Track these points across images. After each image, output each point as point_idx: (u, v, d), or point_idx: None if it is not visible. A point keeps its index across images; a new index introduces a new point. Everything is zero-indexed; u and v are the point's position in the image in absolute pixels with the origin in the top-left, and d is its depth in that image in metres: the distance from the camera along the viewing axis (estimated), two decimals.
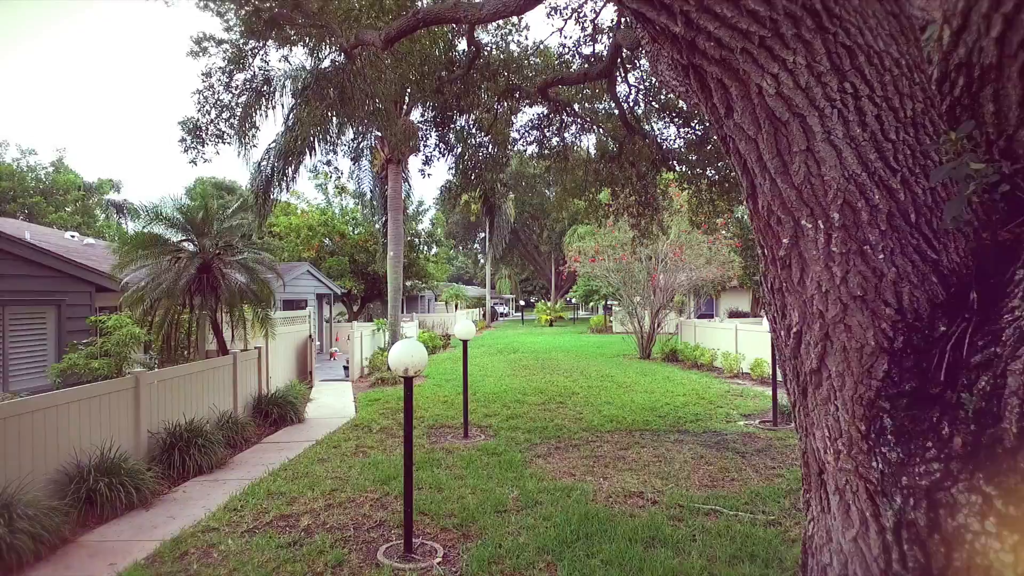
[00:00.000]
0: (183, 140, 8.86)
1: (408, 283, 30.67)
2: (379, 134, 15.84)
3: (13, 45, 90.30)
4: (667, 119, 9.80)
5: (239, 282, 10.24)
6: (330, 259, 27.06)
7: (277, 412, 10.63)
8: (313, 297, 20.34)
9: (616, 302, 38.19)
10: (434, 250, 31.22)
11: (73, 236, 18.92)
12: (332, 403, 12.89)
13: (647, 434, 9.45)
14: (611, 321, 36.61)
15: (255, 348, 11.23)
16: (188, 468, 7.66)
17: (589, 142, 12.76)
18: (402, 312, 39.77)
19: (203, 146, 9.03)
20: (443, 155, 15.10)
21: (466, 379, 10.30)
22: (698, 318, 29.74)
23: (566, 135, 12.33)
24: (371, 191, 18.00)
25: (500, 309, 63.85)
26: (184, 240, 10.40)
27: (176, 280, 9.27)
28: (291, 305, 18.64)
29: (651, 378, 15.40)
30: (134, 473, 6.63)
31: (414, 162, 16.10)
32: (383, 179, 16.26)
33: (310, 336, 15.47)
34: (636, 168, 11.21)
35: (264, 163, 15.69)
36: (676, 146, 11.12)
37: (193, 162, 8.91)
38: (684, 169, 10.77)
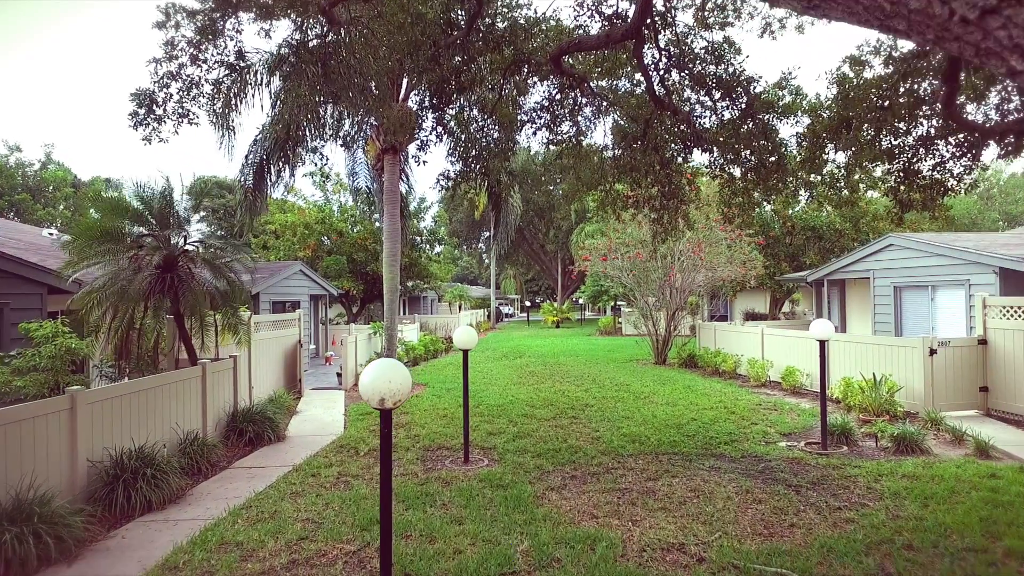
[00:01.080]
0: (134, 114, 7.61)
1: (409, 283, 29.47)
2: (375, 123, 14.60)
3: (9, 42, 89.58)
4: (705, 90, 8.47)
5: (208, 283, 9.00)
6: (327, 258, 25.86)
7: (253, 430, 9.37)
8: (307, 298, 19.12)
9: (625, 303, 36.90)
10: (436, 249, 29.97)
11: (52, 234, 17.77)
12: (320, 416, 11.64)
13: (676, 459, 8.15)
14: (620, 323, 35.30)
15: (230, 357, 9.97)
16: (134, 505, 6.40)
17: (606, 126, 11.45)
18: (403, 314, 38.57)
19: (160, 123, 7.79)
20: (440, 139, 13.89)
21: (467, 396, 9.02)
22: (714, 320, 28.47)
23: (580, 117, 11.04)
24: (368, 185, 16.78)
25: (505, 310, 62.60)
26: (147, 235, 9.17)
27: (131, 279, 8.03)
28: (282, 307, 17.44)
29: (671, 387, 14.09)
30: (56, 518, 5.38)
31: (413, 152, 15.12)
32: (379, 171, 15.00)
33: (299, 341, 14.24)
34: (660, 154, 9.92)
35: (252, 156, 14.47)
36: (711, 124, 9.82)
37: (147, 140, 7.68)
38: (716, 155, 9.46)
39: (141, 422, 7.32)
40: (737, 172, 9.71)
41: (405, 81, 14.13)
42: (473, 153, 15.19)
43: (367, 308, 32.39)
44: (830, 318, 18.95)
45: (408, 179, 17.04)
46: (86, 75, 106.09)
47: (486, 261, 48.00)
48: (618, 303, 35.31)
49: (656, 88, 8.15)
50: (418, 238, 28.94)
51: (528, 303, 52.38)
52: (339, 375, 15.44)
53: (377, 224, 28.48)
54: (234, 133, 13.44)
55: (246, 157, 14.46)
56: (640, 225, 18.36)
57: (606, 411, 11.51)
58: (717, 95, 8.36)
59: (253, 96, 11.99)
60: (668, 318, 18.72)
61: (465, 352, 8.66)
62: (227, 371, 9.72)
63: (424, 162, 14.41)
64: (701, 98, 8.72)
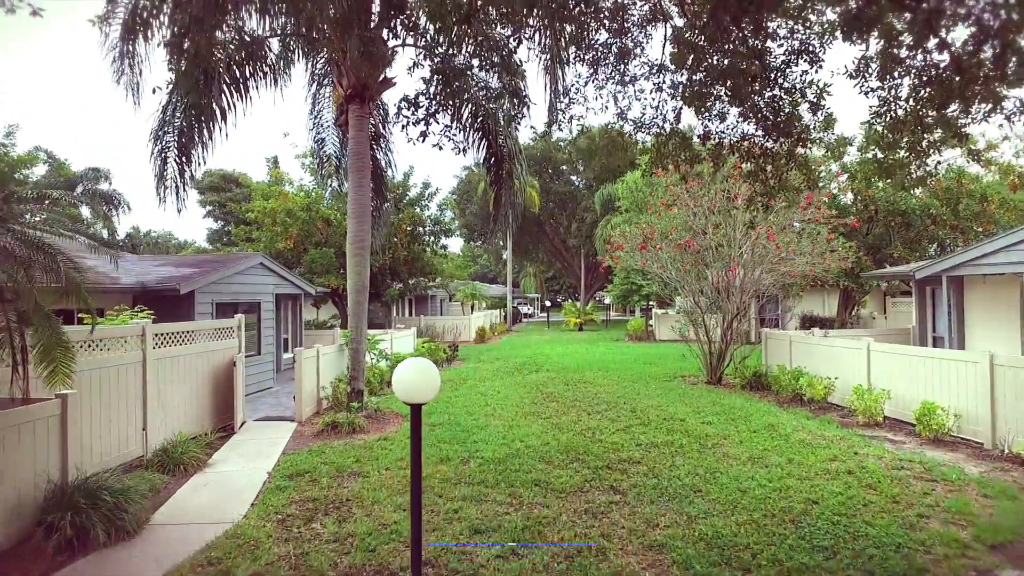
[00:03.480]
0: None
1: (412, 281, 25.69)
2: (336, 59, 10.76)
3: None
4: None
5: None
6: (312, 251, 22.16)
7: (79, 522, 5.57)
8: (270, 298, 15.41)
9: (656, 303, 32.67)
10: (443, 241, 26.15)
11: None
12: (232, 476, 7.82)
13: None
14: (652, 325, 31.13)
15: (55, 397, 6.16)
16: None
17: (661, 37, 7.42)
18: (407, 315, 34.82)
19: None
20: (429, 87, 10.08)
21: (417, 520, 4.67)
22: (766, 327, 24.21)
23: (628, 24, 7.04)
24: (337, 154, 12.96)
25: (524, 309, 58.68)
26: None
27: None
28: (232, 310, 13.73)
29: (745, 426, 10.04)
30: None
31: (393, 105, 11.25)
32: (345, 128, 11.16)
33: (235, 357, 10.45)
34: (761, 60, 5.90)
35: (168, 109, 10.75)
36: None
37: None
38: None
39: None
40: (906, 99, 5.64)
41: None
42: (466, 99, 11.31)
43: (369, 310, 28.72)
44: (934, 328, 14.66)
45: (386, 143, 13.18)
46: (72, 65, 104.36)
47: (504, 257, 44.03)
48: (650, 303, 31.12)
49: None
50: (420, 229, 25.12)
51: (548, 303, 48.34)
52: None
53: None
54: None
55: (161, 115, 10.75)
56: (696, 202, 14.31)
57: (661, 474, 7.51)
58: None
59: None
60: (725, 325, 14.60)
61: (416, 412, 4.33)
62: (41, 421, 5.93)
63: (410, 122, 10.55)
64: None
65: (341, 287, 22.65)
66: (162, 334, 9.03)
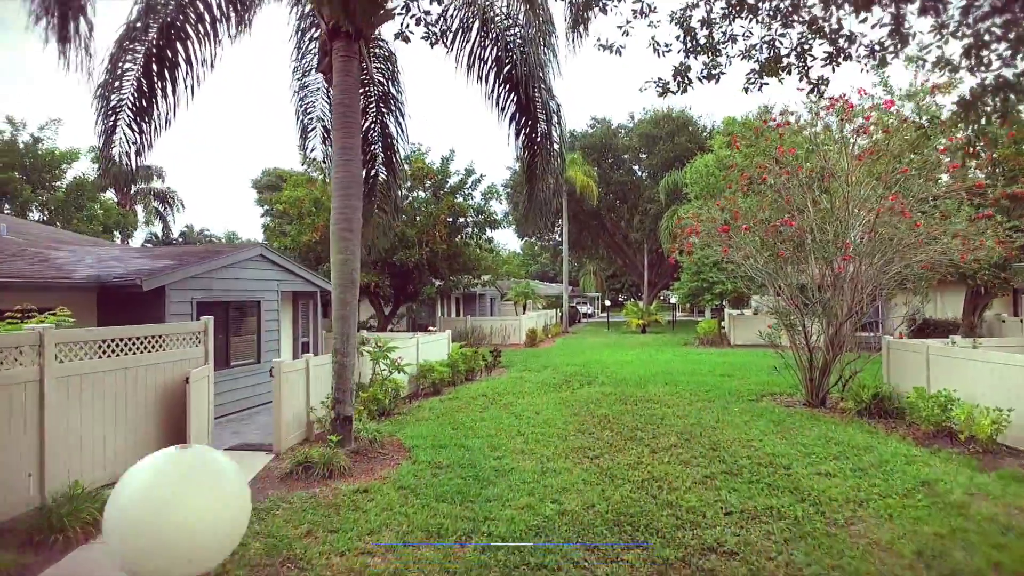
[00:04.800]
0: None
1: (452, 278, 23.22)
2: None
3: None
4: None
5: None
6: None
7: None
8: (273, 296, 13.20)
9: (729, 303, 28.93)
10: (488, 234, 23.52)
11: None
12: None
13: None
14: (724, 328, 27.54)
15: None
16: None
17: None
18: (454, 315, 32.22)
19: None
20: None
21: None
22: (867, 331, 20.32)
23: None
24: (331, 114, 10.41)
25: (583, 309, 55.49)
26: None
27: None
28: (223, 310, 11.55)
29: (882, 482, 6.87)
30: None
31: (389, 34, 8.91)
32: (329, 76, 8.59)
33: (187, 377, 8.10)
34: None
35: (119, 60, 8.60)
36: None
37: None
38: None
39: None
40: None
41: None
42: (486, 31, 8.58)
43: (411, 309, 26.43)
44: None
45: (397, 105, 10.58)
46: None
47: (561, 253, 41.04)
48: (723, 303, 27.51)
49: None
50: (461, 219, 22.58)
51: (609, 302, 45.00)
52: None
53: (420, 196, 22.42)
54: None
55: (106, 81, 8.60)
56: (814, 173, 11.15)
57: None
58: None
59: None
60: (832, 330, 11.26)
61: None
62: None
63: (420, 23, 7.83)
64: None
65: (372, 284, 20.44)
66: (73, 343, 6.76)
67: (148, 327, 7.87)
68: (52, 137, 27.98)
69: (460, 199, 22.65)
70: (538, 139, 9.25)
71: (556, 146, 9.37)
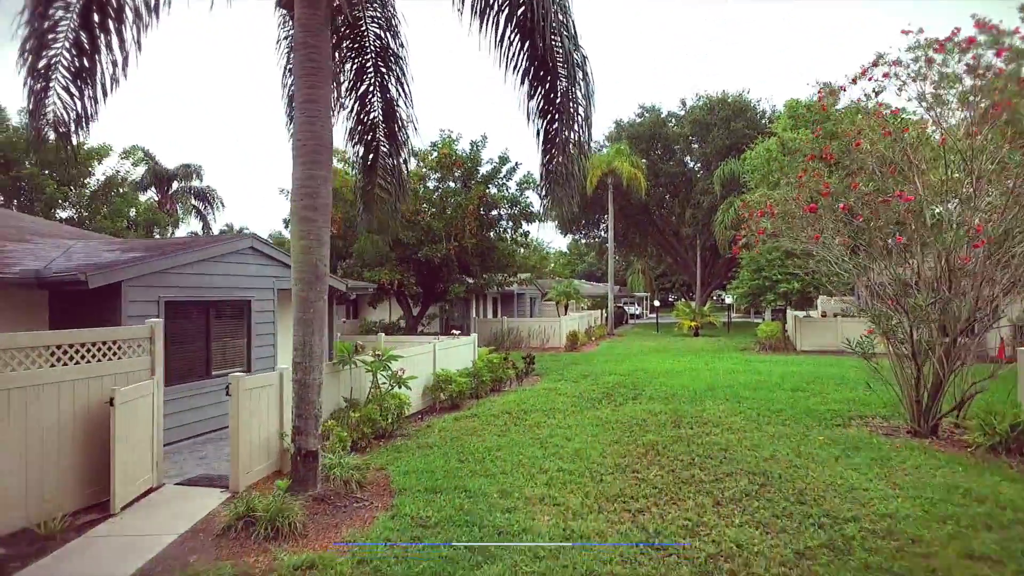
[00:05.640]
0: None
1: (484, 276, 21.31)
2: None
3: None
4: None
5: None
6: (361, 239, 18.37)
7: None
8: (268, 295, 11.55)
9: (791, 303, 25.91)
10: (524, 228, 21.52)
11: None
12: None
13: None
14: (789, 331, 24.71)
15: None
16: None
17: None
18: (490, 315, 30.12)
19: None
20: None
21: None
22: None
23: None
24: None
25: (631, 310, 52.77)
26: None
27: None
28: (203, 311, 9.93)
29: None
30: None
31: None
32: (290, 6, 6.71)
33: (111, 399, 6.38)
34: None
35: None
36: None
37: None
38: None
39: None
40: None
41: None
42: None
43: (443, 309, 24.62)
44: None
45: (397, 63, 8.66)
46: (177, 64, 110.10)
47: (608, 248, 38.45)
48: (788, 303, 24.65)
49: None
50: (494, 211, 20.63)
51: (658, 302, 42.26)
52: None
53: (429, 184, 20.59)
54: None
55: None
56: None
57: None
58: None
59: None
60: (950, 338, 8.76)
61: None
62: None
63: None
64: None
65: (395, 281, 18.71)
66: None
67: (57, 334, 6.18)
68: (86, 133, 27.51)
69: (493, 190, 20.72)
70: (557, 99, 7.17)
71: (580, 109, 7.25)
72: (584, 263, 73.63)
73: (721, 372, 16.16)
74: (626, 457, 7.97)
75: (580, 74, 7.32)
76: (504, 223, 21.14)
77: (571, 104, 7.07)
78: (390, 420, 9.30)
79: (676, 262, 46.61)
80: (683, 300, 50.89)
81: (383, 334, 16.06)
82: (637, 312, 55.62)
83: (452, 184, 20.39)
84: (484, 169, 20.43)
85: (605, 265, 39.44)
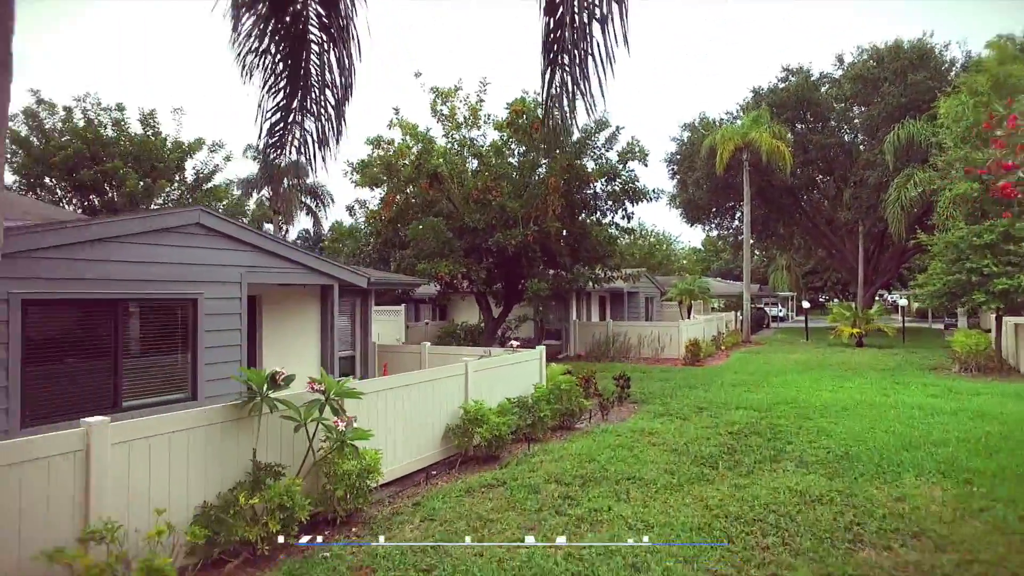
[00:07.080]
0: None
1: (578, 268, 17.13)
2: None
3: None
4: None
5: None
6: (413, 224, 14.97)
7: None
8: (233, 292, 8.37)
9: (1000, 304, 18.67)
10: (629, 209, 17.04)
11: None
12: None
13: None
14: (1004, 345, 17.90)
15: None
16: None
17: None
18: (589, 318, 25.13)
19: None
20: None
21: None
22: None
23: None
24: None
25: (774, 311, 45.59)
26: None
27: None
28: (103, 314, 6.88)
29: None
30: None
31: None
32: None
33: None
34: None
35: None
36: None
37: None
38: None
39: None
40: None
41: None
42: None
43: (538, 310, 20.67)
44: None
45: None
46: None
47: (744, 238, 32.14)
48: (1001, 306, 17.78)
49: None
50: (590, 187, 16.34)
51: (807, 303, 35.19)
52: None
53: (512, 159, 16.71)
54: None
55: None
56: None
57: None
58: None
59: None
60: None
61: None
62: None
63: None
64: None
65: (458, 275, 15.09)
66: None
67: None
68: (178, 125, 27.39)
69: (590, 165, 16.49)
70: None
71: None
72: (720, 260, 66.52)
73: (916, 411, 10.70)
74: None
75: None
76: (602, 203, 16.80)
77: None
78: (339, 498, 5.58)
79: (829, 255, 39.06)
80: (838, 301, 42.85)
81: (428, 344, 12.51)
82: (781, 314, 48.11)
83: (531, 154, 16.39)
84: (574, 135, 16.22)
85: (741, 260, 33.37)
